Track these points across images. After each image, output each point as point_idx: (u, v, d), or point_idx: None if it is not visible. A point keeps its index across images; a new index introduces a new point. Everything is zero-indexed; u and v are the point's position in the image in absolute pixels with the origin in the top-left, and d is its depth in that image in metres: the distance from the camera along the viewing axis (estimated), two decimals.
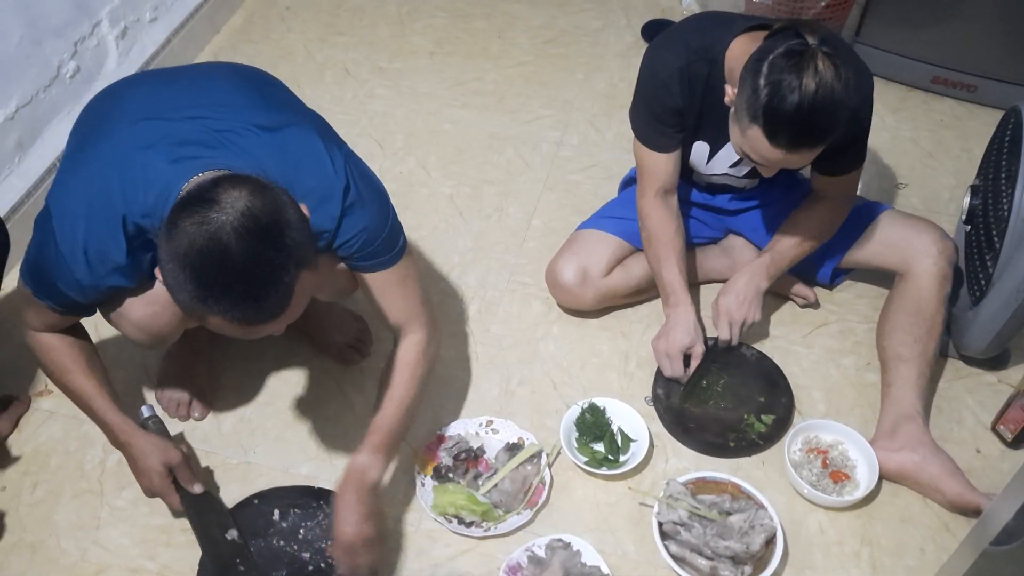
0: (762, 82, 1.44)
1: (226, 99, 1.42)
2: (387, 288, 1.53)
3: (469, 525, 1.62)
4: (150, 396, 1.83)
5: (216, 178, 1.20)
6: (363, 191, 1.42)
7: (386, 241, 1.47)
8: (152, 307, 1.45)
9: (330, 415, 1.82)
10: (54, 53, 2.17)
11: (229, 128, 1.36)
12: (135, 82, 1.54)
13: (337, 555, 1.48)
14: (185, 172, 1.28)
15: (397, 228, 1.50)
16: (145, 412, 1.63)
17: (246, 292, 1.17)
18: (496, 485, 1.66)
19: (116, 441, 1.57)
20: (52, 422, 1.80)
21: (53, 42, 2.16)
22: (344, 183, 1.39)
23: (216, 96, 1.42)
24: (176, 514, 1.64)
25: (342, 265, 1.49)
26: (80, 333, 1.58)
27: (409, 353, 1.57)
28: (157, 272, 1.23)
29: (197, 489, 1.58)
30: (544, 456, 1.70)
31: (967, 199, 1.86)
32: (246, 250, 1.15)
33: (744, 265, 1.95)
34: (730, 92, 1.55)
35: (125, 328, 1.49)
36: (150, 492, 1.57)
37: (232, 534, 1.56)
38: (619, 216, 1.95)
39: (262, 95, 1.47)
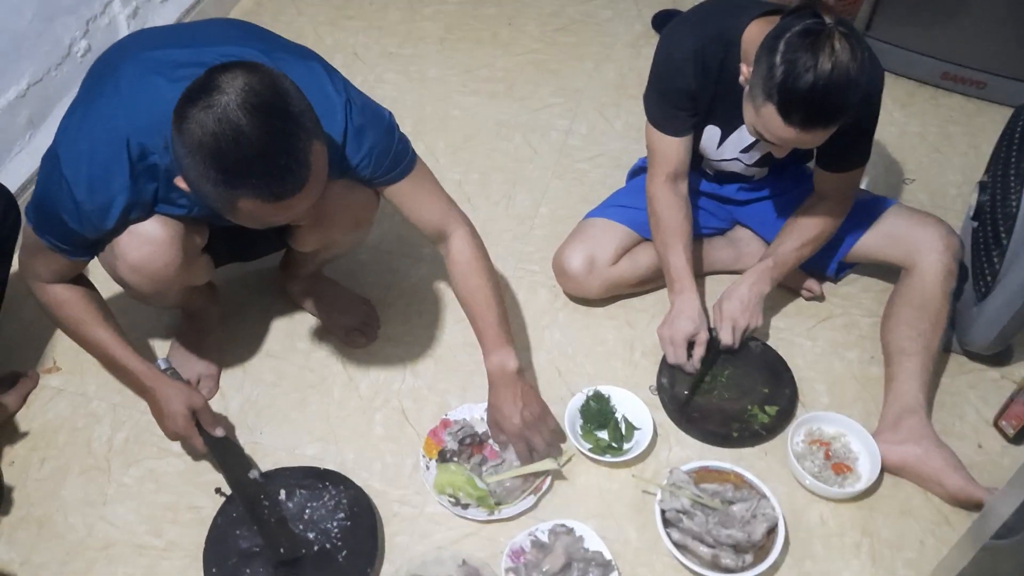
0: (778, 60, 1.44)
1: (226, 34, 1.46)
2: (414, 193, 1.58)
3: (465, 507, 1.63)
4: None
5: (207, 70, 1.23)
6: (365, 110, 1.46)
7: (398, 152, 1.52)
8: (149, 246, 1.46)
9: (336, 397, 1.83)
10: (65, 31, 2.18)
11: (231, 54, 1.38)
12: (138, 33, 1.56)
13: (515, 445, 1.62)
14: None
15: (405, 139, 1.55)
16: (162, 364, 1.68)
17: (267, 165, 1.21)
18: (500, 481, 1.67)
19: (140, 387, 1.60)
20: (60, 399, 1.81)
21: (65, 20, 2.16)
22: (344, 99, 1.43)
23: (218, 34, 1.46)
24: (198, 457, 1.69)
25: (359, 194, 1.55)
26: (89, 286, 1.60)
27: (466, 251, 1.63)
28: (179, 181, 1.27)
29: (219, 432, 1.63)
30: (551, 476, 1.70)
31: (975, 195, 1.86)
32: (256, 123, 1.18)
33: (749, 256, 1.96)
34: (745, 71, 1.55)
35: (123, 272, 1.49)
36: (175, 435, 1.61)
37: (254, 473, 1.61)
38: (627, 205, 1.95)
39: (260, 33, 1.51)
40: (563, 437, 1.69)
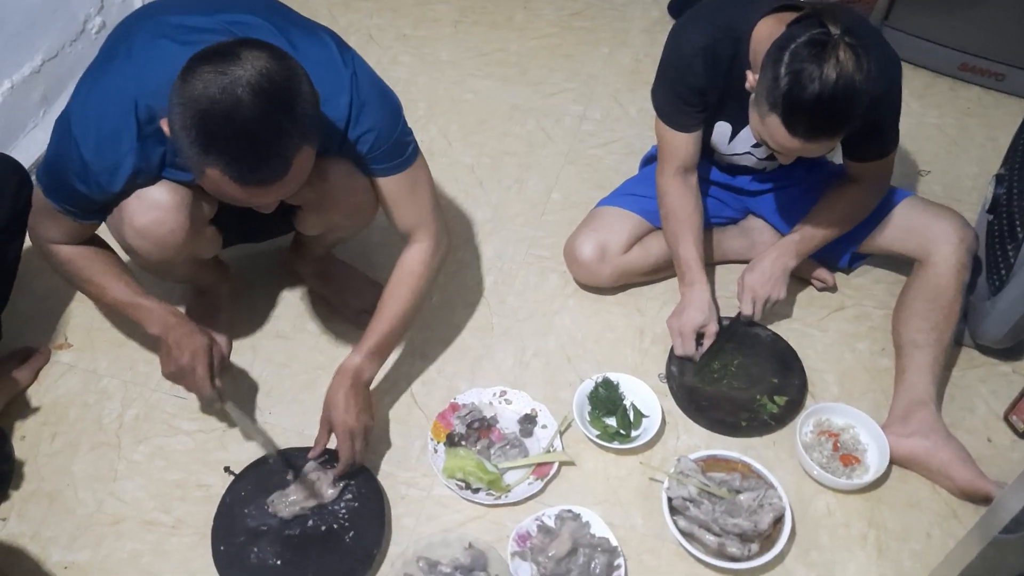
0: (783, 71, 1.43)
1: (240, 3, 1.46)
2: (398, 194, 1.57)
3: (476, 491, 1.64)
4: None
5: (238, 39, 1.24)
6: (371, 90, 1.46)
7: (396, 143, 1.51)
8: (156, 211, 1.47)
9: None
10: (80, 8, 2.18)
11: (243, 22, 1.39)
12: (155, 2, 1.55)
13: (341, 443, 1.56)
14: (194, 52, 1.28)
15: (407, 132, 1.54)
16: None
17: (247, 149, 1.21)
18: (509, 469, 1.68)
19: (164, 322, 1.54)
20: (71, 375, 1.82)
21: None
22: (351, 73, 1.42)
23: (233, 3, 1.46)
24: (208, 401, 1.59)
25: (361, 178, 1.54)
26: (103, 245, 1.61)
27: (412, 263, 1.62)
28: (163, 123, 1.27)
29: (216, 383, 1.57)
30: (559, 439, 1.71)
31: (991, 188, 1.85)
32: (257, 108, 1.18)
33: (762, 246, 1.96)
34: (751, 78, 1.55)
35: (129, 236, 1.50)
36: (189, 366, 1.51)
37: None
38: (639, 194, 1.95)
39: (276, 7, 1.50)
40: (362, 461, 1.60)
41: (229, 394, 1.60)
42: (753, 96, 1.54)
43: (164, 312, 1.57)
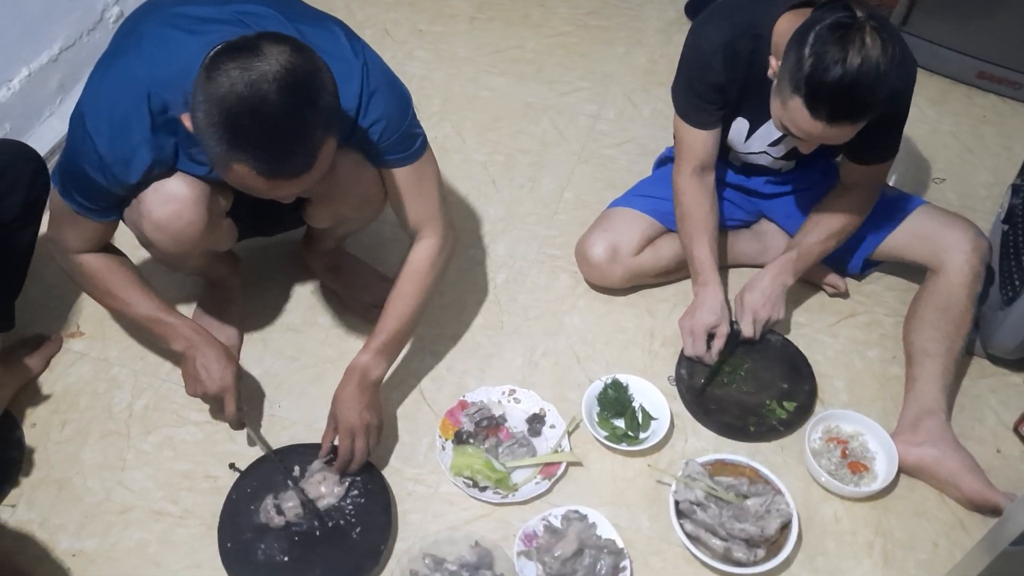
0: (807, 52, 1.43)
1: None
2: (406, 187, 1.57)
3: (483, 490, 1.64)
4: None
5: (259, 33, 1.24)
6: (382, 80, 1.46)
7: (405, 135, 1.52)
8: (173, 204, 1.47)
9: None
10: None
11: (253, 12, 1.39)
12: None
13: (341, 439, 1.56)
14: (207, 44, 1.28)
15: (416, 124, 1.54)
16: None
17: (275, 143, 1.21)
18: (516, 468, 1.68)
19: (188, 340, 1.56)
20: (82, 363, 1.83)
21: None
22: (361, 63, 1.43)
23: None
24: (228, 419, 1.60)
25: (369, 170, 1.55)
26: (120, 254, 1.61)
27: (421, 260, 1.63)
28: (185, 118, 1.27)
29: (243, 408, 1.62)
30: (567, 438, 1.72)
31: (1007, 198, 1.84)
32: (283, 102, 1.19)
33: (775, 250, 1.95)
34: (774, 64, 1.54)
35: (147, 229, 1.50)
36: (219, 387, 1.55)
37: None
38: (652, 195, 1.94)
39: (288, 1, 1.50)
40: (364, 459, 1.59)
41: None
42: (775, 82, 1.53)
43: (187, 329, 1.58)
